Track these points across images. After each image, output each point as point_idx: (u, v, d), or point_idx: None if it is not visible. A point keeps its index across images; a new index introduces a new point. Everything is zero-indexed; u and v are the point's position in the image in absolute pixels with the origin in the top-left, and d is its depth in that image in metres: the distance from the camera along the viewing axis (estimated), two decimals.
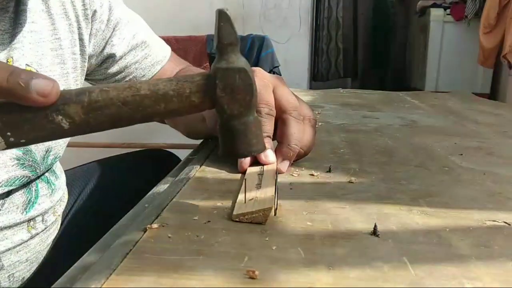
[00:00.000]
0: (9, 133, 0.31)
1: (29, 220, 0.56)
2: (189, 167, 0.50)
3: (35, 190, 0.57)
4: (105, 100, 0.32)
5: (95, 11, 0.63)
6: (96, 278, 0.26)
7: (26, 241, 0.56)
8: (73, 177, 0.74)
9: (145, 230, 0.33)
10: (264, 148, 0.36)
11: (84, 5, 0.61)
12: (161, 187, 0.46)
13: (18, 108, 0.31)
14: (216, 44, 0.33)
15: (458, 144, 0.66)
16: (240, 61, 0.33)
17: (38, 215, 0.58)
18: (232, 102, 0.33)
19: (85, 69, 0.64)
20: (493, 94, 3.16)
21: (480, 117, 0.92)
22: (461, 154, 0.59)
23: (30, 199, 0.56)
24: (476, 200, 0.42)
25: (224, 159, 0.47)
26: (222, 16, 0.33)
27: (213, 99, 0.33)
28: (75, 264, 0.30)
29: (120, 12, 0.67)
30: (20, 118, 0.31)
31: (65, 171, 0.72)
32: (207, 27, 3.05)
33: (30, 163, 0.54)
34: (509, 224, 0.36)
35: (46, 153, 0.56)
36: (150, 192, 0.45)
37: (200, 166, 0.50)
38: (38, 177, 0.58)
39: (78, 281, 0.27)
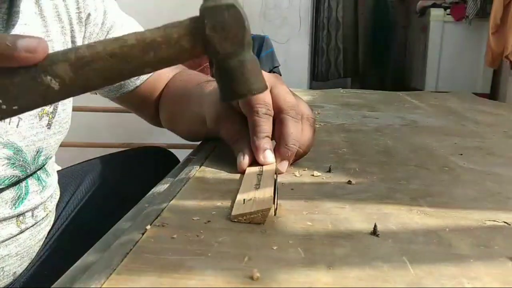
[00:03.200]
0: (0, 100, 0.31)
1: (18, 215, 0.56)
2: (189, 167, 0.50)
3: (25, 186, 0.57)
4: (92, 55, 0.31)
5: (89, 15, 0.63)
6: (96, 278, 0.26)
7: (16, 235, 0.56)
8: (69, 174, 0.74)
9: (145, 230, 0.33)
10: (265, 87, 0.34)
11: (78, 8, 0.61)
12: (161, 187, 0.46)
13: (6, 74, 0.31)
14: None
15: (458, 144, 0.66)
16: None
17: (27, 211, 0.58)
18: (224, 41, 0.32)
19: None
20: (493, 94, 3.16)
21: (480, 117, 0.92)
22: (461, 154, 0.59)
23: (19, 195, 0.56)
24: (476, 200, 0.42)
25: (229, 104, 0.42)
26: None
27: (204, 40, 0.32)
28: (75, 264, 0.30)
29: (115, 16, 0.68)
30: (9, 83, 0.31)
31: (61, 169, 0.72)
32: None
33: (20, 163, 0.54)
34: (509, 224, 0.36)
35: (37, 153, 0.56)
36: (150, 192, 0.45)
37: (200, 166, 0.50)
38: (28, 176, 0.58)
39: (78, 281, 0.27)
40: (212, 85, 0.62)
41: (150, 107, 0.75)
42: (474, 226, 0.36)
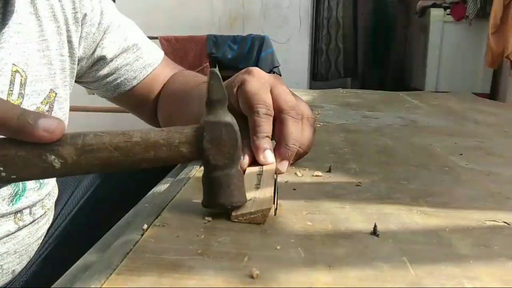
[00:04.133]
0: (1, 168, 0.32)
1: (16, 212, 0.57)
2: (189, 167, 0.50)
3: (22, 183, 0.57)
4: (98, 144, 0.34)
5: (85, 15, 0.63)
6: (96, 278, 0.26)
7: (14, 232, 0.57)
8: None
9: (145, 230, 0.33)
10: (245, 200, 0.37)
11: (74, 8, 0.62)
12: (161, 187, 0.46)
13: (14, 146, 0.33)
14: (206, 100, 0.36)
15: (458, 144, 0.66)
16: (227, 116, 0.36)
17: (25, 208, 0.58)
18: (217, 154, 0.35)
19: (75, 71, 0.64)
20: (493, 94, 3.17)
21: (480, 117, 0.92)
22: (461, 154, 0.59)
23: (17, 192, 0.56)
24: (476, 200, 0.42)
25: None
26: (213, 75, 0.36)
27: (200, 150, 0.35)
28: (75, 264, 0.30)
29: (112, 16, 0.68)
30: (15, 155, 0.33)
31: None
32: (207, 27, 3.05)
33: None
34: (509, 224, 0.36)
35: None
36: (150, 192, 0.45)
37: (200, 166, 0.50)
38: None
39: (78, 281, 0.27)
40: None
41: (147, 107, 0.75)
42: (474, 226, 0.36)
